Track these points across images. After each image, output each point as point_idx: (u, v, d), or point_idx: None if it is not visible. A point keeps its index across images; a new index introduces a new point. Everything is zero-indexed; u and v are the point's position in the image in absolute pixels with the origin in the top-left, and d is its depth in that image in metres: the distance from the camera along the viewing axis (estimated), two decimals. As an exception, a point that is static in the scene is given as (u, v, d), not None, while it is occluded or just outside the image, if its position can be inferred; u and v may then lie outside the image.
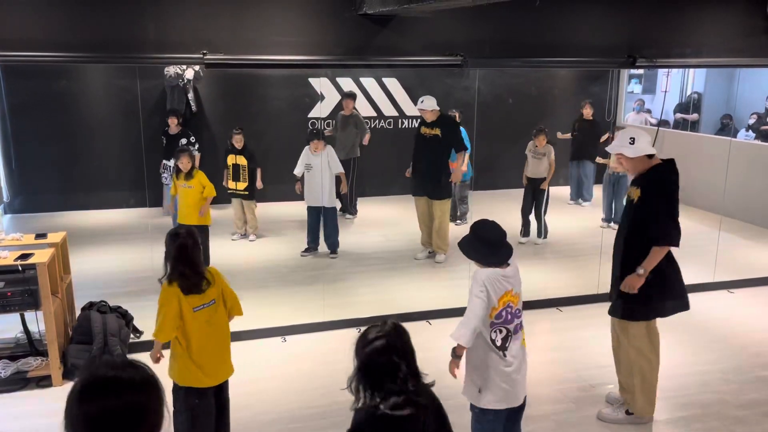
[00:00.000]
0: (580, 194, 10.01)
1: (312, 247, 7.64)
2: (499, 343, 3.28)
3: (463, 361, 3.34)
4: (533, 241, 8.11)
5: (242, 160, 7.92)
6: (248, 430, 4.17)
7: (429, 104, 7.17)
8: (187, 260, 3.39)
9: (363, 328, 2.36)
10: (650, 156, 3.98)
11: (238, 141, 7.88)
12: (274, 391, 4.65)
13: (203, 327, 3.47)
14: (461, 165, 7.52)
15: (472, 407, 3.39)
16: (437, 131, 7.15)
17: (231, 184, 8.00)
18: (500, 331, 3.28)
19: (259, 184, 8.08)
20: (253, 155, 8.02)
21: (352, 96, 9.17)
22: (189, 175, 6.55)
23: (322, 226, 7.54)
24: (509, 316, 3.29)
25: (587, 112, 9.57)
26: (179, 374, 3.49)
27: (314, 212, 7.52)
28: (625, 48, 6.25)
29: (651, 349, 4.19)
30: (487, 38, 5.93)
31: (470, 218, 8.44)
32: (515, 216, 8.06)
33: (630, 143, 3.97)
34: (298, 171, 7.51)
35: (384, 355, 2.21)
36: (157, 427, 1.61)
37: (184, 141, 8.21)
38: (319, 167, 7.31)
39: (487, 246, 3.30)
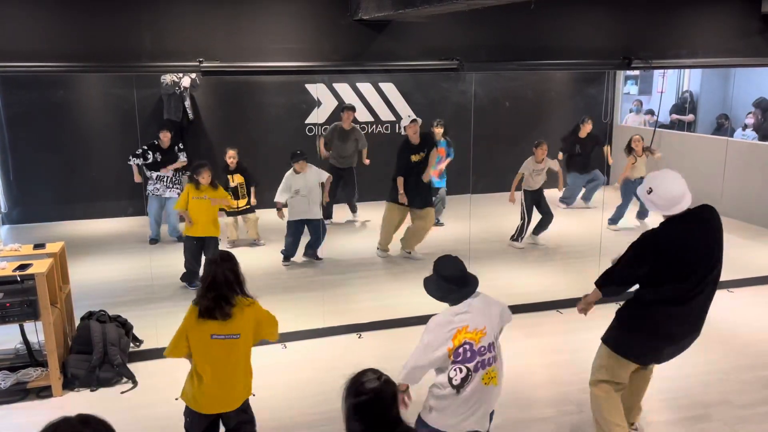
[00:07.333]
0: (587, 197, 10.04)
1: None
2: (456, 382, 3.13)
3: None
4: (537, 240, 8.14)
5: (239, 179, 7.95)
6: (250, 438, 4.15)
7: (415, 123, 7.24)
8: (211, 283, 3.28)
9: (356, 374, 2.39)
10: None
11: (232, 160, 7.86)
12: (275, 398, 4.63)
13: (221, 358, 3.31)
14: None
15: (420, 420, 3.27)
16: (422, 156, 7.32)
17: (233, 203, 7.84)
18: (460, 371, 3.13)
19: (252, 201, 8.07)
20: (248, 170, 8.07)
21: (352, 108, 9.00)
22: (213, 186, 6.51)
23: (310, 235, 7.48)
24: (468, 354, 3.13)
25: (588, 128, 9.62)
26: (184, 388, 3.45)
27: (302, 225, 7.40)
28: (621, 49, 6.28)
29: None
30: (482, 42, 5.95)
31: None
32: (514, 219, 8.05)
33: (648, 192, 3.49)
34: (283, 198, 7.20)
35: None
36: None
37: (175, 149, 8.14)
38: (306, 188, 7.20)
39: (448, 283, 3.24)
